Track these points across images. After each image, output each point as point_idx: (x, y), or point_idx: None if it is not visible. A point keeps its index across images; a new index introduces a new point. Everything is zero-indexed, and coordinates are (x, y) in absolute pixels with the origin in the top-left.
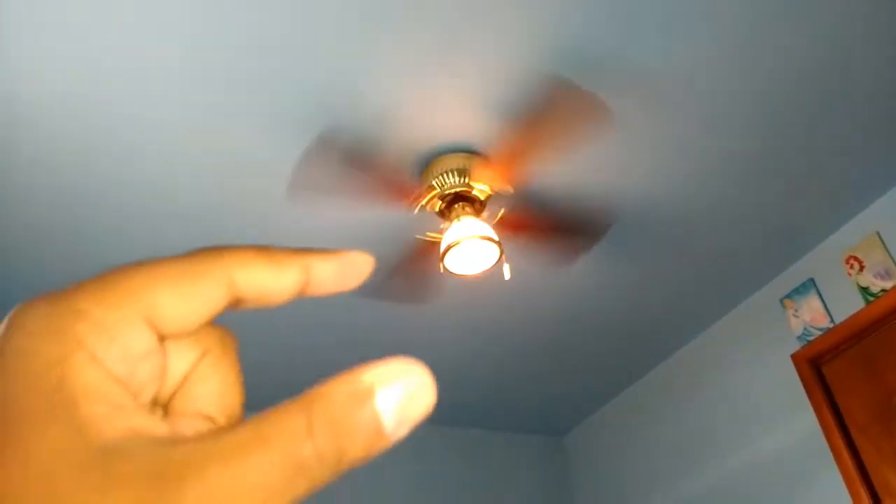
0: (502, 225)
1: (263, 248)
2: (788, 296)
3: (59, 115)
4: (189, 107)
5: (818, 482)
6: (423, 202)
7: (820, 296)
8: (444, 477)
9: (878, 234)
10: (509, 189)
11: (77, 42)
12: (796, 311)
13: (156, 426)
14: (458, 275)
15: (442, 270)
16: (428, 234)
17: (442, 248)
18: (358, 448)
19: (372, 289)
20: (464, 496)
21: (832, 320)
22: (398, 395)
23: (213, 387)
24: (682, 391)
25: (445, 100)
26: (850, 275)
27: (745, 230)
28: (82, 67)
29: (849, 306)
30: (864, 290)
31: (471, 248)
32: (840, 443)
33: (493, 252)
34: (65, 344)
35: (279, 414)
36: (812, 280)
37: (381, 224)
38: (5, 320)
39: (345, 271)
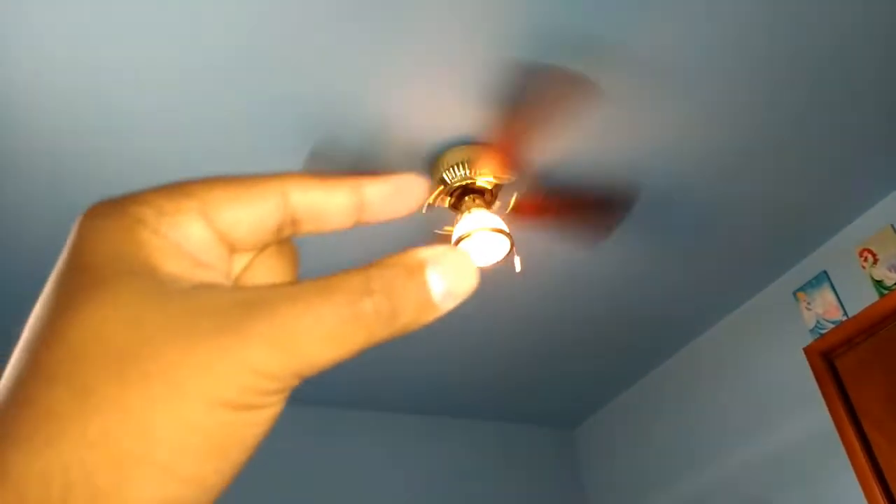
0: (518, 212)
1: (317, 172)
2: (801, 289)
3: (58, 115)
4: (188, 115)
5: (831, 476)
6: (431, 199)
7: (833, 289)
8: (454, 468)
9: (892, 226)
10: (512, 176)
11: (71, 45)
12: (809, 303)
13: (227, 283)
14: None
15: None
16: (445, 227)
17: (452, 242)
18: (410, 312)
19: None
20: (474, 487)
21: (845, 313)
22: (446, 271)
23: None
24: (694, 384)
25: (438, 95)
26: (863, 267)
27: (758, 223)
28: (78, 70)
29: (862, 299)
30: (878, 283)
31: (481, 241)
32: (853, 437)
33: (503, 244)
34: (132, 222)
35: (341, 274)
36: (825, 273)
37: (396, 223)
38: (75, 221)
39: (398, 194)
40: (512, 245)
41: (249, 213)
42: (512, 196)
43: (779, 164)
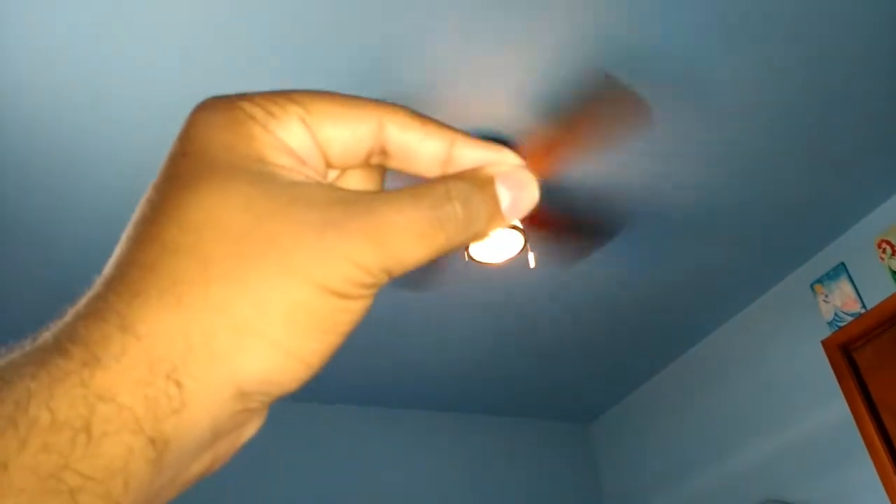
0: (540, 161)
1: (417, 112)
2: (819, 281)
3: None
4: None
5: (850, 469)
6: None
7: (851, 280)
8: (471, 463)
9: None
10: (540, 181)
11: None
12: (827, 296)
13: (329, 182)
14: (483, 263)
15: (467, 259)
16: None
17: None
18: (482, 221)
19: (410, 279)
20: (491, 482)
21: (864, 305)
22: (512, 186)
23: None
24: (711, 378)
25: (486, 85)
26: (882, 259)
27: (775, 215)
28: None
29: (881, 291)
30: None
31: (495, 237)
32: (872, 430)
33: (517, 240)
34: (244, 117)
35: (427, 184)
36: (843, 265)
37: None
38: (187, 116)
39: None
40: (526, 241)
41: (345, 134)
42: None
43: (796, 158)
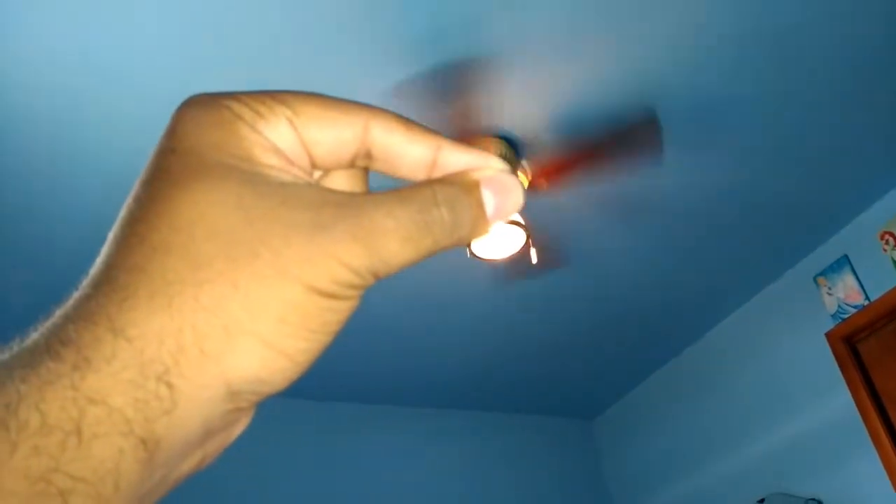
0: (548, 174)
1: (403, 116)
2: (822, 273)
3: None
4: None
5: (855, 461)
6: None
7: (854, 273)
8: (474, 460)
9: None
10: (548, 188)
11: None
12: (830, 288)
13: (317, 182)
14: (486, 259)
15: (469, 255)
16: None
17: None
18: (467, 225)
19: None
20: (494, 478)
21: (867, 297)
22: (497, 191)
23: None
24: (714, 372)
25: (518, 87)
26: (885, 251)
27: (777, 208)
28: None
29: (884, 283)
30: None
31: (497, 233)
32: (877, 422)
33: (519, 236)
34: (232, 116)
35: (413, 187)
36: (846, 257)
37: None
38: (174, 112)
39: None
40: (528, 237)
41: (332, 136)
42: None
43: (798, 149)
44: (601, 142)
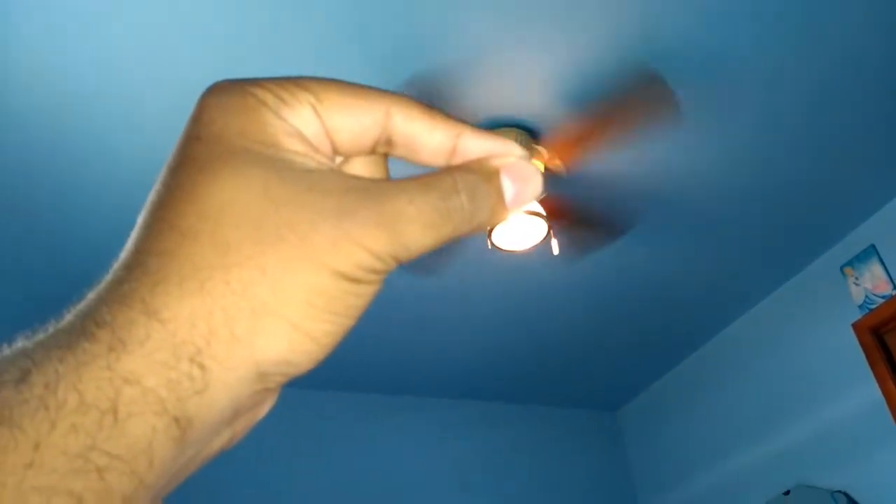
0: (566, 153)
1: (424, 103)
2: (849, 263)
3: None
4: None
5: (882, 453)
6: None
7: (882, 262)
8: (497, 452)
9: None
10: (564, 171)
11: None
12: (857, 278)
13: (339, 168)
14: (506, 250)
15: (489, 246)
16: None
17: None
18: (485, 212)
19: (427, 265)
20: (518, 470)
21: (895, 287)
22: (516, 179)
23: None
24: (740, 363)
25: (518, 72)
26: None
27: (803, 197)
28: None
29: None
30: None
31: (518, 224)
32: None
33: (540, 227)
34: (256, 103)
35: (434, 174)
36: (873, 246)
37: None
38: (198, 99)
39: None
40: (549, 228)
41: (354, 123)
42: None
43: (823, 138)
44: (613, 109)
